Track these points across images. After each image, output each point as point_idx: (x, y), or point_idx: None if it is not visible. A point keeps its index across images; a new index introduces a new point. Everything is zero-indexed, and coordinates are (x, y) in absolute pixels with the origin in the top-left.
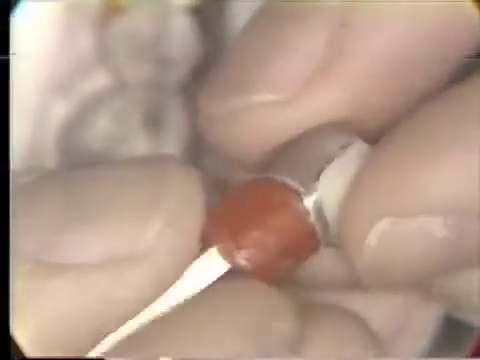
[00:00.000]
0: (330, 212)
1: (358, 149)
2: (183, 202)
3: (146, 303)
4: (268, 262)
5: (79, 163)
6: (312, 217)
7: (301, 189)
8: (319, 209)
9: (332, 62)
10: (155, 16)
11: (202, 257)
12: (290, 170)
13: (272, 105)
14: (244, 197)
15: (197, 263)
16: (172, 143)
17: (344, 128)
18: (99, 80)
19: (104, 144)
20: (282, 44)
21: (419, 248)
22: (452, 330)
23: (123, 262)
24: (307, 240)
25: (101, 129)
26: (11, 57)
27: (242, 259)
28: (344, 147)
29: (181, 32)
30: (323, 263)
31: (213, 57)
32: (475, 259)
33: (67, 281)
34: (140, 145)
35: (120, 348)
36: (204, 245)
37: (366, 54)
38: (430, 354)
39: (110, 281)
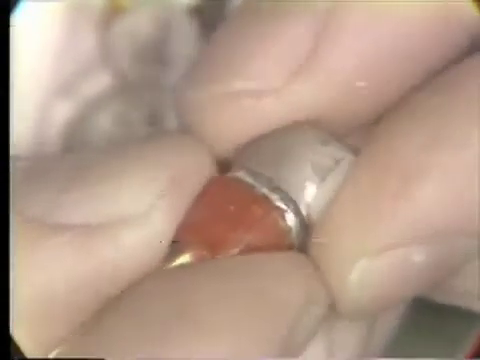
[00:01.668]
0: (313, 223)
1: (349, 163)
2: (185, 167)
3: (142, 266)
4: None
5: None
6: (293, 234)
7: (284, 206)
8: (306, 227)
9: (318, 56)
10: (156, 16)
11: (175, 263)
12: (276, 183)
13: (255, 94)
14: (220, 201)
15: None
16: None
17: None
18: (101, 80)
19: (105, 144)
20: (269, 34)
21: (401, 277)
22: (449, 317)
23: (122, 224)
24: (282, 246)
25: (103, 130)
26: (12, 57)
27: None
28: (338, 162)
29: (182, 32)
30: None
31: None
32: (462, 267)
33: (66, 240)
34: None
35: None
36: (173, 245)
37: (353, 51)
38: (426, 341)
39: (108, 242)
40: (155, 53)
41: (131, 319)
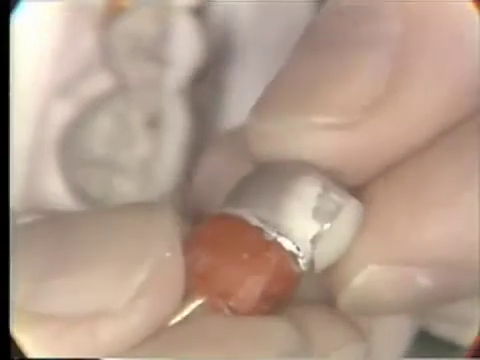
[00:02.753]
0: (320, 267)
1: (353, 208)
2: (166, 261)
3: (118, 356)
4: (252, 312)
5: (79, 167)
6: (304, 274)
7: (296, 251)
8: (312, 267)
9: (396, 91)
10: (156, 17)
11: (188, 309)
12: (284, 227)
13: (333, 128)
14: (231, 247)
15: (183, 315)
16: (172, 144)
17: (344, 179)
18: (100, 81)
19: (105, 145)
20: (347, 66)
21: (401, 293)
22: (431, 347)
23: (100, 318)
24: (295, 291)
25: (102, 130)
26: (12, 58)
27: (227, 311)
28: (339, 208)
29: (182, 33)
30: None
31: (215, 58)
32: (459, 300)
33: (45, 331)
34: (141, 146)
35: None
36: (186, 293)
37: (430, 85)
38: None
39: (85, 335)
40: (155, 54)
41: None
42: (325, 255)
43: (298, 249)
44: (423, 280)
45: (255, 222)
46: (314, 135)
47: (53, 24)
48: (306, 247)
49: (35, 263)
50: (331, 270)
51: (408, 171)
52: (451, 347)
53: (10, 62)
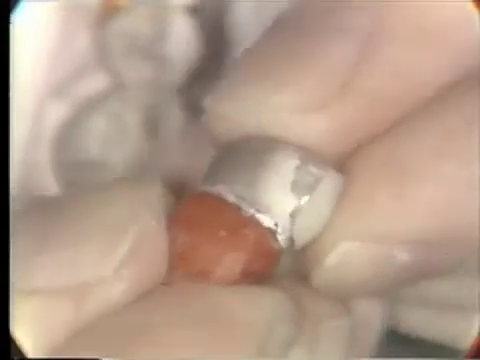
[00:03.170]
0: (300, 243)
1: (332, 180)
2: (151, 230)
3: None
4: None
5: (74, 168)
6: (284, 250)
7: (274, 227)
8: (291, 243)
9: (363, 74)
10: (154, 16)
11: None
12: (262, 203)
13: (296, 109)
14: (209, 225)
15: None
16: (170, 144)
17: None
18: (96, 81)
19: (101, 145)
20: (314, 51)
21: (377, 270)
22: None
23: (88, 288)
24: (275, 267)
25: (99, 130)
26: (11, 58)
27: None
28: (318, 180)
29: (180, 32)
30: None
31: (212, 57)
32: (436, 276)
33: (35, 305)
34: (138, 146)
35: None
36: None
37: (397, 69)
38: None
39: (74, 307)
40: (151, 53)
41: (99, 333)
42: (304, 231)
43: (277, 225)
44: (401, 256)
45: (232, 199)
46: (276, 115)
47: (48, 24)
48: (285, 223)
49: (24, 244)
50: (307, 246)
51: (387, 144)
52: (422, 345)
53: (10, 62)
